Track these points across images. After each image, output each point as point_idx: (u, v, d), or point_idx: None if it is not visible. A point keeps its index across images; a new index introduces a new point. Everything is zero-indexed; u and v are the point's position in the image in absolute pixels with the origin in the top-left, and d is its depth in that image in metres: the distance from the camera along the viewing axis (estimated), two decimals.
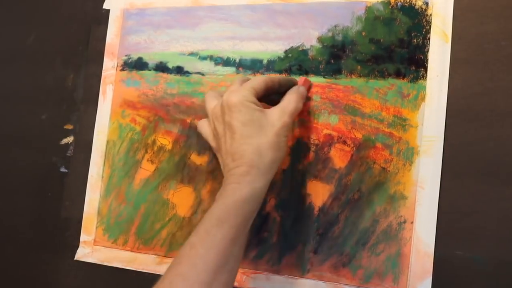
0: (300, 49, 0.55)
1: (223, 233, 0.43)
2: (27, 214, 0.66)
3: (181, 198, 0.58)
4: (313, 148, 0.54)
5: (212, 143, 0.50)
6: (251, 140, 0.46)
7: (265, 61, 0.57)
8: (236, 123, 0.46)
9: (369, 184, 0.51)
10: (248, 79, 0.51)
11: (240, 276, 0.55)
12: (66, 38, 0.67)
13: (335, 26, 0.54)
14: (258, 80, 0.49)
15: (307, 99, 0.54)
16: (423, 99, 0.50)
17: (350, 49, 0.53)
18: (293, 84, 0.52)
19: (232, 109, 0.47)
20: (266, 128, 0.46)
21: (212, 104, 0.50)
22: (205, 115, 0.52)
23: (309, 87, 0.54)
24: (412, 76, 0.51)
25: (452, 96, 0.49)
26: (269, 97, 0.51)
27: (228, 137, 0.47)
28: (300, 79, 0.53)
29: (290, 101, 0.49)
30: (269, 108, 0.49)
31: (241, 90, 0.48)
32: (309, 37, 0.55)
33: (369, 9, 0.53)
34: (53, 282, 0.64)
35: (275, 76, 0.51)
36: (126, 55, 0.63)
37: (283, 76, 0.54)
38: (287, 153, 0.49)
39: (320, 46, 0.55)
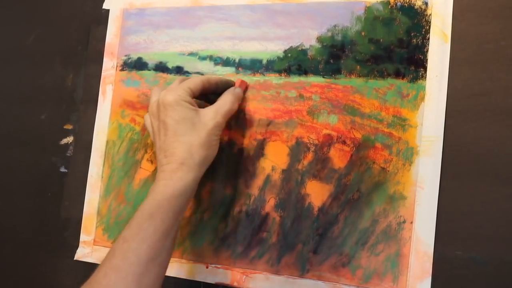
0: (300, 49, 0.55)
1: (154, 227, 0.45)
2: (27, 214, 0.66)
3: None
4: (312, 148, 0.53)
5: (151, 136, 0.53)
6: (183, 138, 0.48)
7: (264, 61, 0.57)
8: (169, 121, 0.48)
9: (369, 184, 0.51)
10: (187, 79, 0.53)
11: (240, 276, 0.55)
12: (66, 38, 0.67)
13: (335, 26, 0.54)
14: (195, 81, 0.51)
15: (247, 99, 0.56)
16: (422, 99, 0.50)
17: (349, 49, 0.53)
18: (230, 85, 0.54)
19: (167, 107, 0.49)
20: (199, 127, 0.49)
21: (153, 99, 0.52)
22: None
23: (245, 88, 0.56)
24: (411, 76, 0.51)
25: (451, 96, 0.49)
26: (207, 96, 0.54)
27: (162, 134, 0.49)
28: (237, 80, 0.55)
29: (225, 102, 0.51)
30: (206, 106, 0.51)
31: (177, 90, 0.50)
32: (308, 37, 0.55)
33: (368, 9, 0.53)
34: (52, 282, 0.64)
35: (212, 77, 0.53)
36: (125, 55, 0.63)
37: (221, 77, 0.55)
38: (218, 151, 0.51)
39: (320, 46, 0.55)
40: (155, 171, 0.60)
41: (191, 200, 0.49)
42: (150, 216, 0.46)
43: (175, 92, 0.49)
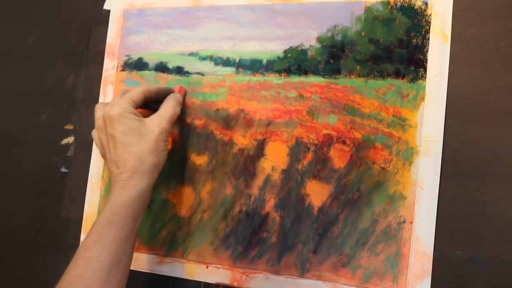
0: (300, 49, 0.55)
1: (114, 233, 0.47)
2: (27, 214, 0.66)
3: (181, 198, 0.58)
4: (312, 148, 0.54)
5: (100, 151, 0.54)
6: (132, 148, 0.50)
7: (264, 61, 0.57)
8: (117, 134, 0.51)
9: (369, 184, 0.51)
10: (128, 91, 0.55)
11: (240, 276, 0.55)
12: (67, 38, 0.67)
13: (335, 26, 0.54)
14: (136, 92, 0.54)
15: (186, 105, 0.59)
16: (422, 99, 0.50)
17: (349, 49, 0.53)
18: (170, 92, 0.57)
19: (113, 121, 0.51)
20: (146, 136, 0.51)
21: (98, 115, 0.54)
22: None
23: (184, 93, 0.59)
24: (411, 76, 0.51)
25: (451, 96, 0.49)
26: (149, 105, 0.56)
27: (111, 147, 0.51)
28: (175, 87, 0.58)
29: (167, 108, 0.54)
30: (150, 114, 0.54)
31: (121, 103, 0.52)
32: (308, 37, 0.55)
33: (368, 9, 0.53)
34: (53, 282, 0.63)
35: (152, 86, 0.56)
36: (126, 56, 0.63)
37: (160, 86, 0.58)
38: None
39: (320, 46, 0.55)
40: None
41: (146, 205, 0.51)
42: (109, 223, 0.48)
43: (119, 105, 0.51)
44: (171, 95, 0.56)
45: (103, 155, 0.54)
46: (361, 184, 0.51)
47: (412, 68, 0.51)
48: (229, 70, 0.58)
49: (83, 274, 0.46)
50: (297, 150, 0.54)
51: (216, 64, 0.59)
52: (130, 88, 0.62)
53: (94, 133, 0.55)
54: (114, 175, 0.51)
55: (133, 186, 0.49)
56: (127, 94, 0.53)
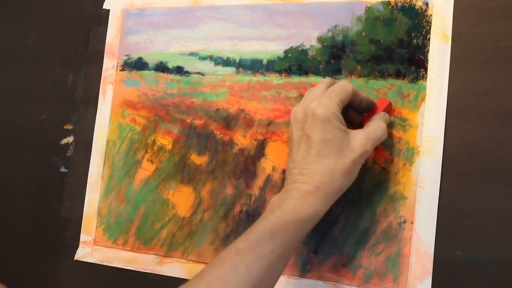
0: (300, 49, 0.55)
1: (273, 247, 0.42)
2: (27, 214, 0.66)
3: (181, 198, 0.58)
4: None
5: (289, 143, 0.48)
6: (326, 161, 0.44)
7: (265, 61, 0.57)
8: (315, 138, 0.44)
9: (369, 184, 0.51)
10: (333, 83, 0.48)
11: None
12: (66, 38, 0.67)
13: (335, 26, 0.54)
14: (347, 92, 0.46)
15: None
16: (423, 99, 0.50)
17: (350, 49, 0.53)
18: (373, 106, 0.49)
19: (316, 122, 0.44)
20: (345, 153, 0.44)
21: (300, 109, 0.47)
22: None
23: (389, 108, 0.50)
24: (412, 77, 0.51)
25: (452, 96, 0.49)
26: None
27: (302, 149, 0.45)
28: (381, 101, 0.50)
29: (377, 129, 0.47)
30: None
31: (330, 103, 0.45)
32: (309, 37, 0.55)
33: (369, 9, 0.53)
34: (53, 282, 0.63)
35: (361, 93, 0.48)
36: (126, 55, 0.63)
37: (367, 96, 0.49)
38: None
39: (320, 46, 0.55)
40: (155, 171, 0.60)
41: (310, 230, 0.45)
42: (272, 234, 0.42)
43: (328, 106, 0.44)
44: (382, 115, 0.48)
45: (289, 146, 0.47)
46: (361, 184, 0.51)
47: (413, 68, 0.51)
48: (230, 70, 0.58)
49: (227, 279, 0.41)
50: None
51: (216, 64, 0.59)
52: (130, 87, 0.62)
53: (293, 116, 0.47)
54: (294, 181, 0.44)
55: (310, 204, 0.43)
56: (337, 92, 0.46)
